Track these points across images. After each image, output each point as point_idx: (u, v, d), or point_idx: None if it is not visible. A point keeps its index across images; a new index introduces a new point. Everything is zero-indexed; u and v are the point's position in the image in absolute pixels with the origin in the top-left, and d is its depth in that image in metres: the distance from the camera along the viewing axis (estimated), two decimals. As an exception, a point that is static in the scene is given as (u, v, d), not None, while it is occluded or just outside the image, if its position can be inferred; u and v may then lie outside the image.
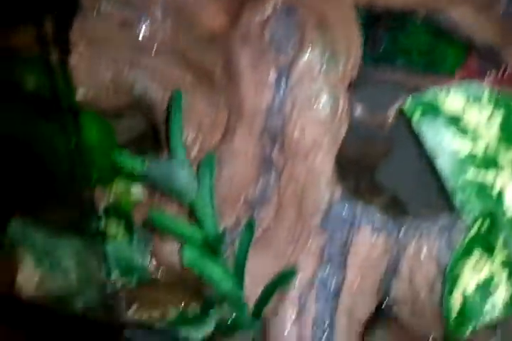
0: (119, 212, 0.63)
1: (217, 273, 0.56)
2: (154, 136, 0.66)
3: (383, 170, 0.69)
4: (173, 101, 0.52)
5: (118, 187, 0.66)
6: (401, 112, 0.54)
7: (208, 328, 0.56)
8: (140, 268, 0.64)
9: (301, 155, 0.59)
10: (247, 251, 0.55)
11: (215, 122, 0.63)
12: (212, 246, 0.53)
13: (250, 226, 0.54)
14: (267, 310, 0.60)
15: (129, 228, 0.64)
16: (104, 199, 0.66)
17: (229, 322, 0.58)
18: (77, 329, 0.62)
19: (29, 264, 0.56)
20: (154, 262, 0.66)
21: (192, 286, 0.65)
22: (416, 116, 0.53)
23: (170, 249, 0.66)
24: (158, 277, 0.64)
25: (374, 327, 0.66)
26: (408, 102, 0.52)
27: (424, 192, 0.61)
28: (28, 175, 0.63)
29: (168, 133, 0.53)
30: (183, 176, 0.46)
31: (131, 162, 0.50)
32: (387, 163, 0.68)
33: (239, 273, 0.55)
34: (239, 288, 0.56)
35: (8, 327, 0.65)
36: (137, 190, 0.68)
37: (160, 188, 0.51)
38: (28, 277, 0.56)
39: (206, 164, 0.53)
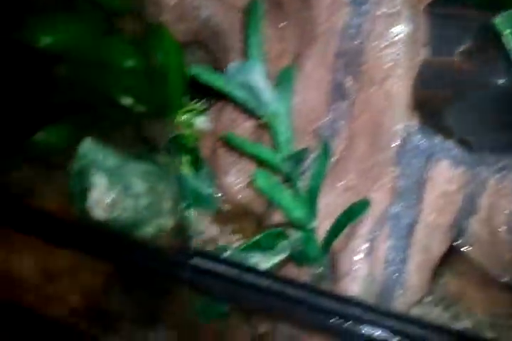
0: (185, 143, 0.62)
1: (288, 201, 0.53)
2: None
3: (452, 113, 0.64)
4: (252, 5, 0.47)
5: (184, 117, 0.64)
6: (489, 28, 0.49)
7: (278, 258, 0.54)
8: (206, 198, 0.63)
9: (378, 79, 0.55)
10: (321, 178, 0.52)
11: (283, 49, 0.59)
12: (285, 171, 0.50)
13: (326, 151, 0.50)
14: (337, 244, 0.57)
15: (195, 159, 0.62)
16: (170, 129, 0.64)
17: (297, 253, 0.55)
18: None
19: (101, 186, 0.55)
20: (220, 193, 0.64)
21: (257, 217, 0.63)
22: (507, 31, 0.48)
23: (234, 181, 0.64)
24: (224, 208, 0.63)
25: (443, 266, 0.62)
26: (500, 17, 0.47)
27: (495, 134, 0.55)
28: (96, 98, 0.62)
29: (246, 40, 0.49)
30: (260, 80, 0.43)
31: (211, 76, 0.47)
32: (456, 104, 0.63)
33: (312, 201, 0.53)
34: (311, 217, 0.54)
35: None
36: (203, 122, 0.66)
37: (239, 99, 0.47)
38: (100, 199, 0.55)
39: (285, 77, 0.49)
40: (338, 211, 0.56)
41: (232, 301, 0.54)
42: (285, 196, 0.53)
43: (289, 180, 0.52)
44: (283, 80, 0.49)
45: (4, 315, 0.70)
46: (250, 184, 0.64)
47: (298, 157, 0.49)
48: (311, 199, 0.52)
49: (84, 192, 0.55)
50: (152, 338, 0.68)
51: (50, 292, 0.69)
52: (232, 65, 0.43)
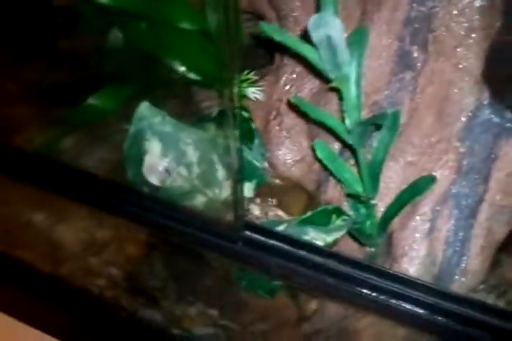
0: (238, 113, 0.59)
1: (349, 174, 0.50)
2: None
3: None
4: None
5: (237, 87, 0.61)
6: None
7: (334, 236, 0.51)
8: (257, 171, 0.60)
9: (448, 50, 0.51)
10: (386, 151, 0.49)
11: (348, 15, 0.56)
12: (350, 141, 0.47)
13: (394, 123, 0.47)
14: (395, 222, 0.54)
15: (248, 130, 0.60)
16: (223, 99, 0.62)
17: (354, 230, 0.53)
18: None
19: (155, 152, 0.53)
20: (271, 166, 0.62)
21: (310, 193, 0.61)
22: None
23: (287, 154, 0.62)
24: (275, 182, 0.60)
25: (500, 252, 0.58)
26: None
27: None
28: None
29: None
30: (339, 38, 0.40)
31: (283, 35, 0.44)
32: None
33: (374, 175, 0.50)
34: (372, 192, 0.51)
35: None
36: (256, 92, 0.64)
37: (311, 59, 0.44)
38: (153, 165, 0.53)
39: (357, 38, 0.46)
40: (399, 187, 0.54)
41: (283, 277, 0.52)
42: (346, 169, 0.50)
43: (352, 151, 0.49)
44: (355, 42, 0.45)
45: (40, 285, 0.70)
46: (303, 158, 0.62)
47: (365, 126, 0.46)
48: (373, 173, 0.49)
49: (139, 156, 0.53)
50: (194, 315, 0.66)
51: (91, 263, 0.68)
52: (312, 21, 0.40)
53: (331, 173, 0.52)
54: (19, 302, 0.71)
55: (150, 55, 0.62)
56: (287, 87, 0.62)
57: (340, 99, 0.45)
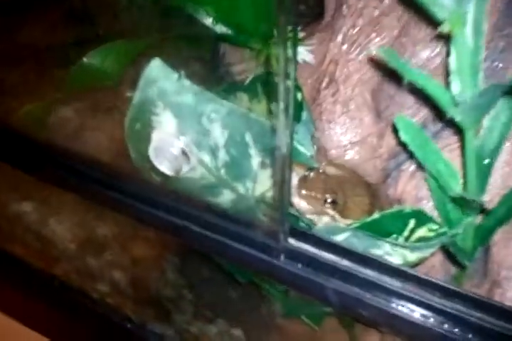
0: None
1: (445, 163, 0.35)
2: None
3: None
4: None
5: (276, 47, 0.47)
6: None
7: (418, 254, 0.37)
8: (302, 155, 0.46)
9: None
10: (504, 137, 0.33)
11: None
12: (458, 118, 0.32)
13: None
14: (498, 234, 0.39)
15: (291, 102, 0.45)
16: (259, 61, 0.47)
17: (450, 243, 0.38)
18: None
19: (168, 128, 0.38)
20: (320, 149, 0.47)
21: (371, 186, 0.46)
22: None
23: (342, 134, 0.47)
24: (325, 169, 0.46)
25: None
26: None
27: None
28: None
29: None
30: None
31: None
32: None
33: (482, 168, 0.34)
34: (477, 191, 0.35)
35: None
36: (302, 53, 0.49)
37: None
38: (165, 146, 0.38)
39: None
40: (506, 186, 0.38)
41: (342, 306, 0.38)
42: (441, 157, 0.35)
43: (460, 131, 0.33)
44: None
45: (36, 288, 0.62)
46: (365, 139, 0.47)
47: (487, 97, 0.30)
48: (481, 165, 0.34)
49: (145, 134, 0.38)
50: (212, 334, 0.54)
51: (90, 264, 0.60)
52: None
53: (419, 163, 0.37)
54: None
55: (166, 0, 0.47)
56: (345, 46, 0.47)
57: (448, 53, 0.30)
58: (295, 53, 0.38)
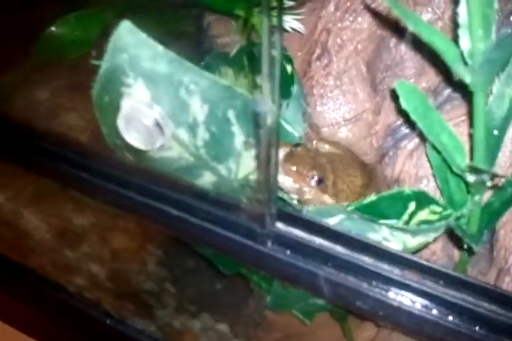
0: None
1: (450, 135, 0.31)
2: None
3: None
4: None
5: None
6: None
7: (421, 238, 0.33)
8: (290, 134, 0.42)
9: None
10: None
11: None
12: (471, 78, 0.28)
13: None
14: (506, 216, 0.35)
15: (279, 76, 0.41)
16: (244, 30, 0.44)
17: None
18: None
19: (140, 101, 0.34)
20: (311, 127, 0.43)
21: (367, 166, 0.42)
22: None
23: (335, 110, 0.43)
24: (316, 148, 0.42)
25: None
26: None
27: None
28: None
29: None
30: None
31: None
32: None
33: (492, 140, 0.30)
34: (486, 165, 0.31)
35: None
36: (291, 23, 0.45)
37: None
38: (137, 121, 0.34)
39: None
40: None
41: (335, 297, 0.34)
42: (445, 128, 0.31)
43: (470, 93, 0.29)
44: None
45: (14, 280, 0.58)
46: (360, 115, 0.43)
47: (498, 52, 0.26)
48: (490, 137, 0.30)
49: (116, 104, 0.34)
50: (196, 330, 0.51)
51: (67, 257, 0.56)
52: None
53: (418, 139, 0.33)
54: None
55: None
56: (339, 13, 0.43)
57: (456, 2, 0.26)
58: (280, 20, 0.34)
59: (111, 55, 0.34)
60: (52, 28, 0.44)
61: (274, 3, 0.35)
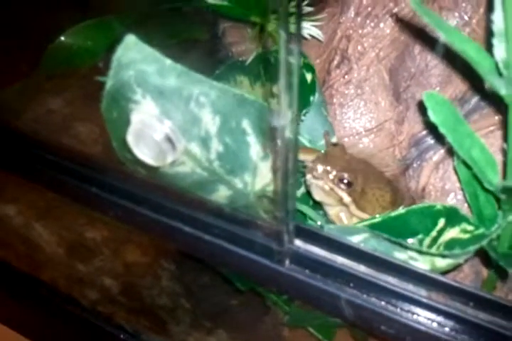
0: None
1: (482, 149, 0.29)
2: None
3: None
4: None
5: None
6: None
7: (449, 260, 0.31)
8: (312, 143, 0.40)
9: None
10: None
11: None
12: (507, 89, 0.26)
13: None
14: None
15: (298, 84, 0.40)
16: (260, 39, 0.42)
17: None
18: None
19: (149, 116, 0.33)
20: (331, 136, 0.41)
21: (392, 178, 0.40)
22: None
23: (357, 119, 0.41)
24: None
25: None
26: None
27: None
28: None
29: None
30: None
31: None
32: None
33: None
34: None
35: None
36: (310, 30, 0.43)
37: None
38: (146, 137, 0.32)
39: None
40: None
41: (358, 320, 0.32)
42: (477, 142, 0.29)
43: (504, 105, 0.27)
44: None
45: (25, 294, 0.58)
46: (382, 125, 0.41)
47: None
48: None
49: (124, 122, 0.32)
50: None
51: (81, 270, 0.55)
52: None
53: (445, 151, 0.31)
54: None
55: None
56: (359, 19, 0.41)
57: (490, 8, 0.24)
58: (299, 27, 0.32)
59: (115, 72, 0.33)
60: (62, 38, 0.43)
61: (292, 9, 0.33)
